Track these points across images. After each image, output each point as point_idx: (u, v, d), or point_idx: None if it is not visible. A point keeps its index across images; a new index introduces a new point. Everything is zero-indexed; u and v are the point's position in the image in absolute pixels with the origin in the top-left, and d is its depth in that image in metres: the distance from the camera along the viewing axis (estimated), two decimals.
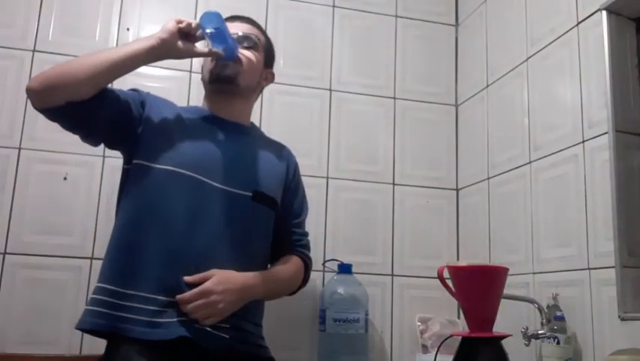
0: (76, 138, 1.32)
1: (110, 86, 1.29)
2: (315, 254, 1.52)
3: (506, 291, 1.24)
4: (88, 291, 1.60)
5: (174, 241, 1.25)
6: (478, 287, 1.20)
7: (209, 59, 1.40)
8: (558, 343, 1.33)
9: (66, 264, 1.64)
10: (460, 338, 1.20)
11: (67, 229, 1.66)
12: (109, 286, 1.22)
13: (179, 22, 1.28)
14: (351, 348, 1.63)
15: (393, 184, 1.94)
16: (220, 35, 1.29)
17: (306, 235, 1.52)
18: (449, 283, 1.22)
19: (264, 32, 1.52)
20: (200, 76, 1.49)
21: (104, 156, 1.70)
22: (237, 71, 1.39)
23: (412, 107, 2.01)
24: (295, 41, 1.95)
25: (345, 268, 1.73)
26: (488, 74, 1.88)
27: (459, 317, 1.86)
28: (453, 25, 2.12)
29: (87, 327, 1.22)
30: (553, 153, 1.52)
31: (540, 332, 1.36)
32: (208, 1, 1.87)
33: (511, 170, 1.70)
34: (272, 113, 1.87)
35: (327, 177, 1.89)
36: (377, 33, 2.04)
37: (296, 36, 1.95)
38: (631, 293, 1.25)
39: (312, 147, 1.89)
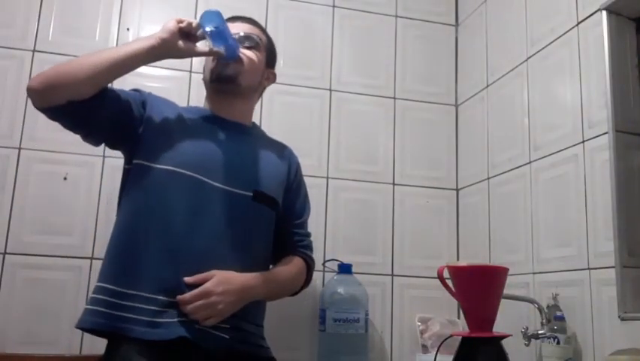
0: (76, 137, 1.32)
1: (110, 85, 1.29)
2: (315, 254, 1.52)
3: (506, 291, 1.24)
4: (88, 291, 1.60)
5: (174, 241, 1.25)
6: (478, 287, 1.20)
7: (211, 58, 1.40)
8: (558, 343, 1.33)
9: (66, 264, 1.64)
10: (460, 338, 1.20)
11: (67, 229, 1.66)
12: (109, 286, 1.22)
13: (180, 21, 1.28)
14: (351, 348, 1.63)
15: (393, 184, 1.94)
16: (220, 34, 1.29)
17: (308, 235, 1.51)
18: (449, 283, 1.22)
19: (265, 32, 1.51)
20: (200, 76, 1.49)
21: (104, 156, 1.70)
22: (238, 70, 1.38)
23: (412, 107, 2.01)
24: (295, 41, 1.95)
25: (345, 268, 1.73)
26: (488, 74, 1.88)
27: (459, 317, 1.86)
28: (453, 25, 2.12)
29: (87, 326, 1.22)
30: (553, 153, 1.52)
31: (540, 332, 1.36)
32: (208, 1, 1.87)
33: (511, 170, 1.70)
34: (272, 113, 1.87)
35: (327, 177, 1.89)
36: (377, 33, 2.04)
37: (296, 36, 1.95)
38: (631, 293, 1.25)
39: (312, 147, 1.89)
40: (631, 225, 1.28)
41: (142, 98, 1.36)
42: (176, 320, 1.20)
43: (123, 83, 1.37)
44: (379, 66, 2.02)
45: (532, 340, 1.38)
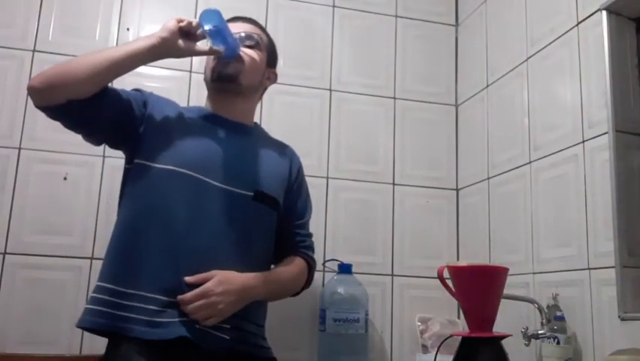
0: (76, 137, 1.32)
1: (110, 85, 1.29)
2: (315, 254, 1.52)
3: (506, 291, 1.24)
4: (88, 291, 1.60)
5: (175, 240, 1.25)
6: (478, 287, 1.20)
7: (212, 58, 1.40)
8: (558, 343, 1.33)
9: (66, 264, 1.64)
10: (460, 338, 1.20)
11: (67, 229, 1.66)
12: (109, 285, 1.22)
13: (180, 20, 1.28)
14: (351, 348, 1.63)
15: (393, 184, 1.94)
16: (220, 33, 1.29)
17: (309, 235, 1.51)
18: (449, 283, 1.22)
19: (266, 32, 1.51)
20: (201, 76, 1.49)
21: (104, 156, 1.70)
22: (239, 69, 1.38)
23: (412, 107, 2.01)
24: (295, 41, 1.95)
25: (345, 268, 1.73)
26: (488, 74, 1.88)
27: (459, 317, 1.86)
28: (453, 25, 2.12)
29: (87, 326, 1.22)
30: (553, 153, 1.52)
31: (540, 332, 1.36)
32: (208, 1, 1.87)
33: (511, 170, 1.70)
34: (272, 113, 1.86)
35: (327, 177, 1.89)
36: (377, 33, 2.04)
37: (296, 36, 1.95)
38: (631, 293, 1.25)
39: (312, 147, 1.89)
40: (631, 225, 1.28)
41: (143, 98, 1.36)
42: (176, 319, 1.20)
43: (123, 84, 1.36)
44: (379, 66, 2.02)
45: (532, 340, 1.38)
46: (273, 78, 1.54)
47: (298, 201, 1.49)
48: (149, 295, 1.20)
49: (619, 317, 1.25)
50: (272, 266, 1.44)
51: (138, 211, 1.28)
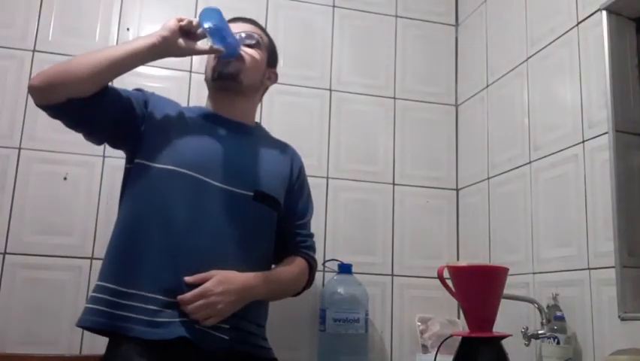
0: (76, 137, 1.33)
1: (111, 84, 1.29)
2: (316, 254, 1.52)
3: (506, 291, 1.24)
4: (88, 291, 1.60)
5: (175, 240, 1.25)
6: (478, 287, 1.20)
7: (212, 57, 1.40)
8: (558, 343, 1.33)
9: (66, 264, 1.64)
10: (460, 338, 1.20)
11: (67, 229, 1.66)
12: (109, 285, 1.22)
13: (180, 20, 1.28)
14: (351, 348, 1.63)
15: (393, 184, 1.94)
16: (220, 32, 1.29)
17: (311, 236, 1.51)
18: (449, 283, 1.22)
19: (266, 33, 1.52)
20: (201, 76, 1.49)
21: (104, 156, 1.70)
22: (240, 68, 1.38)
23: (412, 107, 2.01)
24: (295, 41, 1.95)
25: (345, 268, 1.73)
26: (488, 74, 1.88)
27: (459, 317, 1.86)
28: (453, 25, 2.12)
29: (87, 325, 1.22)
30: (553, 153, 1.52)
31: (540, 332, 1.36)
32: (208, 1, 1.87)
33: (511, 170, 1.70)
34: (272, 113, 1.86)
35: (327, 177, 1.89)
36: (377, 33, 2.04)
37: (296, 36, 1.95)
38: (631, 293, 1.25)
39: (312, 147, 1.88)
40: (631, 225, 1.28)
41: (144, 97, 1.36)
42: (176, 319, 1.20)
43: (123, 83, 1.36)
44: (379, 66, 2.02)
45: (532, 340, 1.38)
46: (273, 78, 1.54)
47: (299, 201, 1.49)
48: (149, 295, 1.20)
49: (619, 317, 1.25)
50: (272, 266, 1.43)
51: (138, 211, 1.28)
